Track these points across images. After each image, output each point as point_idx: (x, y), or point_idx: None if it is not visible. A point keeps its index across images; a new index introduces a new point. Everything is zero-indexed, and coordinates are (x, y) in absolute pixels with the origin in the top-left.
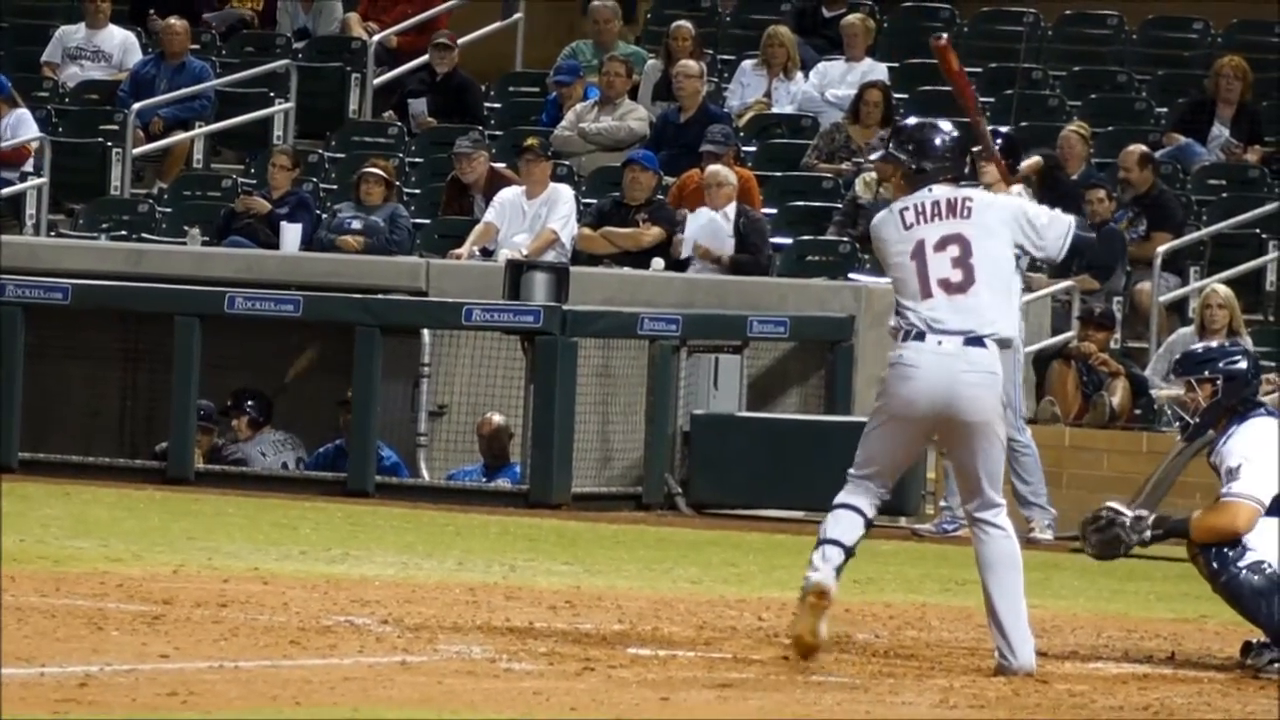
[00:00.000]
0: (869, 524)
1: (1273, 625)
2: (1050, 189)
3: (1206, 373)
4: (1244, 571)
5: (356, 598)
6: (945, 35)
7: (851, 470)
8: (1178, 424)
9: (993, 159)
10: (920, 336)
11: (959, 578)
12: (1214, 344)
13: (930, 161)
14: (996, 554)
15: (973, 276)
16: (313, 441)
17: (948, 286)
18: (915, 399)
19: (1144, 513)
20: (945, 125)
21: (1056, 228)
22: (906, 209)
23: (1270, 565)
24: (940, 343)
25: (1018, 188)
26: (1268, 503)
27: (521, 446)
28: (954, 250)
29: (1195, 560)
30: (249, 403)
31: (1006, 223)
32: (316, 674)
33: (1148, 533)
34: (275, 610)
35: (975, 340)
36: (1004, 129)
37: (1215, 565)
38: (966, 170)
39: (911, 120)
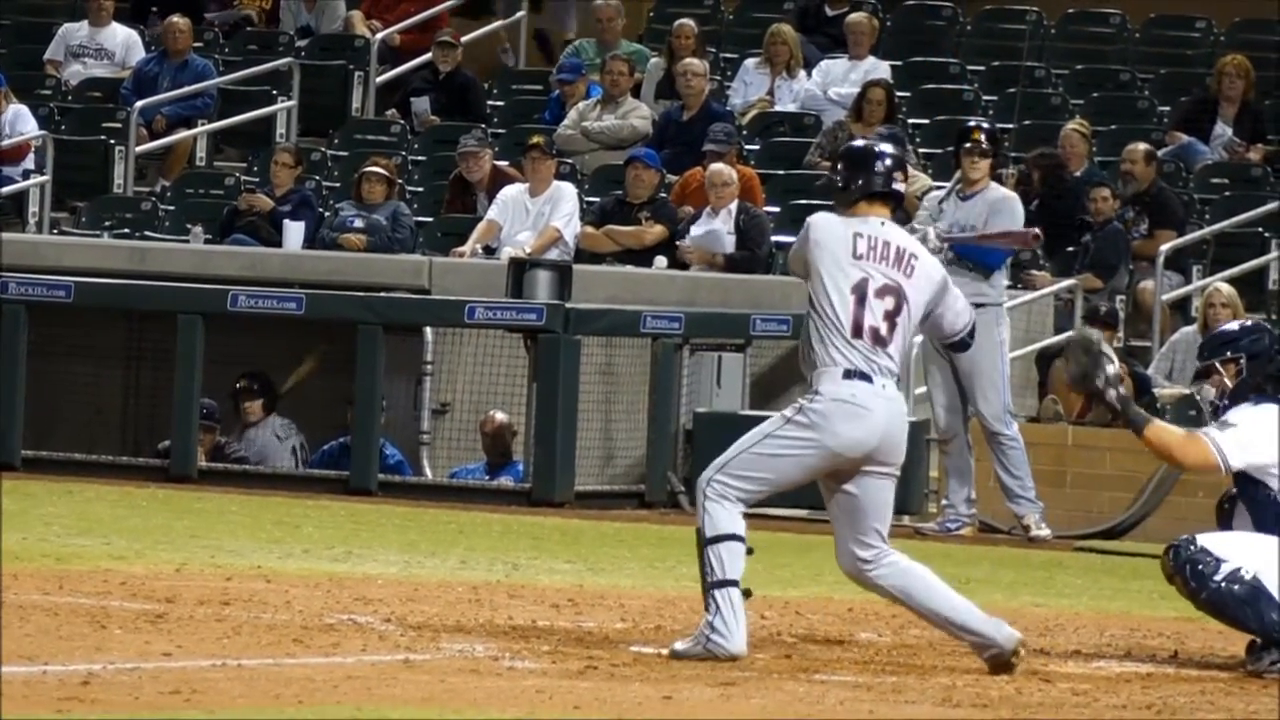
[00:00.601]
0: (749, 551)
1: (1264, 630)
2: (1053, 188)
3: (1229, 353)
4: (1223, 584)
5: (359, 596)
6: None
7: (721, 485)
8: (1208, 408)
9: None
10: (866, 378)
11: (963, 576)
12: (1233, 325)
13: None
14: (910, 578)
15: (893, 335)
16: (315, 439)
17: (875, 336)
18: (865, 440)
19: (1122, 378)
20: (885, 147)
21: (964, 316)
22: (860, 235)
23: (1247, 570)
24: (884, 386)
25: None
26: (1233, 465)
27: (524, 445)
28: (889, 303)
29: (1173, 580)
30: (256, 385)
31: (933, 292)
32: (319, 672)
33: (1114, 391)
34: (278, 608)
35: (896, 384)
36: (985, 124)
37: (1194, 584)
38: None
39: (858, 142)
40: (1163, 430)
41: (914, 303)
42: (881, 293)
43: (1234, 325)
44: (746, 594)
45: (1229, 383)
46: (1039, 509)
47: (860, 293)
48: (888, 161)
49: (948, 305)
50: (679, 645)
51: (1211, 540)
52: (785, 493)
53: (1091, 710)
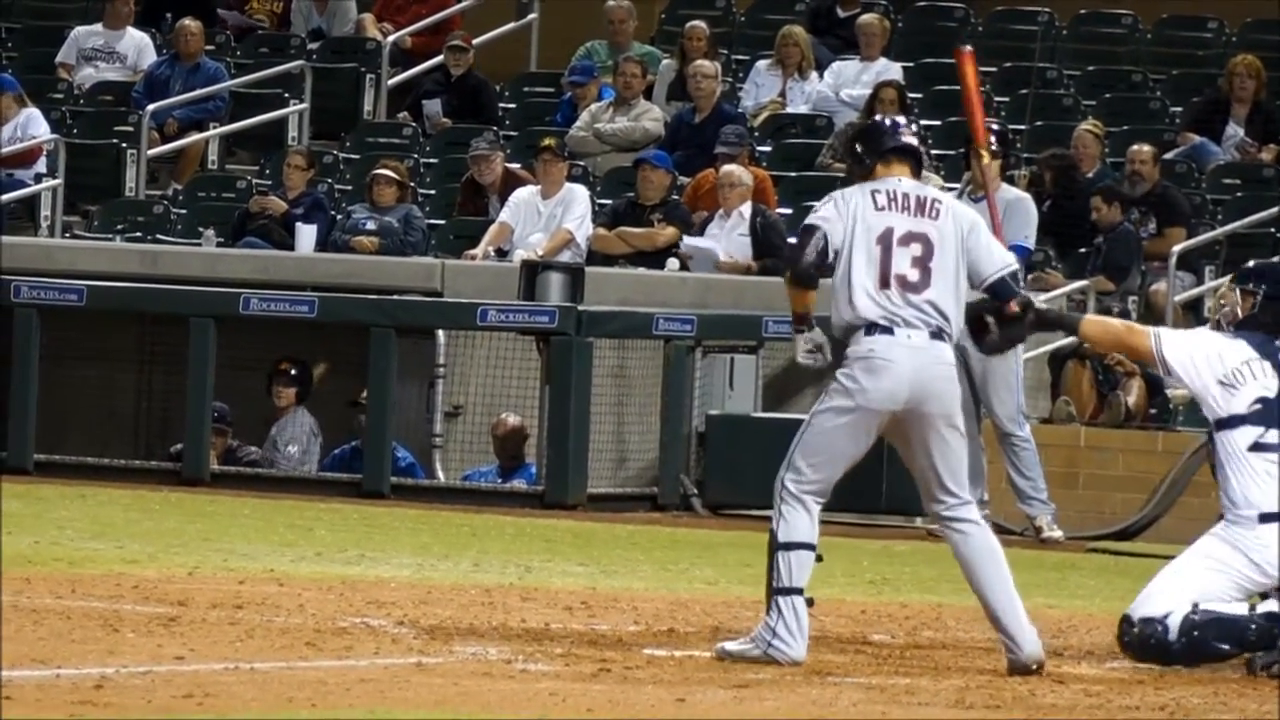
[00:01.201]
0: (818, 558)
1: (1249, 645)
2: (1065, 189)
3: (1251, 284)
4: (1183, 641)
5: (372, 599)
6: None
7: (802, 483)
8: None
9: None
10: (888, 330)
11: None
12: (1262, 262)
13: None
14: (976, 549)
15: (928, 280)
16: (326, 442)
17: (904, 283)
18: (895, 390)
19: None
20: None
21: (999, 257)
22: (878, 191)
23: (1194, 612)
24: (910, 336)
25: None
26: (1166, 361)
27: (537, 447)
28: (916, 249)
29: (1139, 660)
30: (294, 370)
31: (964, 235)
32: (332, 675)
33: (1031, 314)
34: (291, 612)
35: (938, 334)
36: (995, 125)
37: (1160, 656)
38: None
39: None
40: (1101, 321)
41: (946, 243)
42: (907, 239)
43: (1269, 263)
44: (810, 603)
45: (1240, 312)
46: (1051, 510)
47: (885, 243)
48: (891, 121)
49: (979, 243)
50: (730, 645)
51: (1145, 603)
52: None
53: (1105, 711)
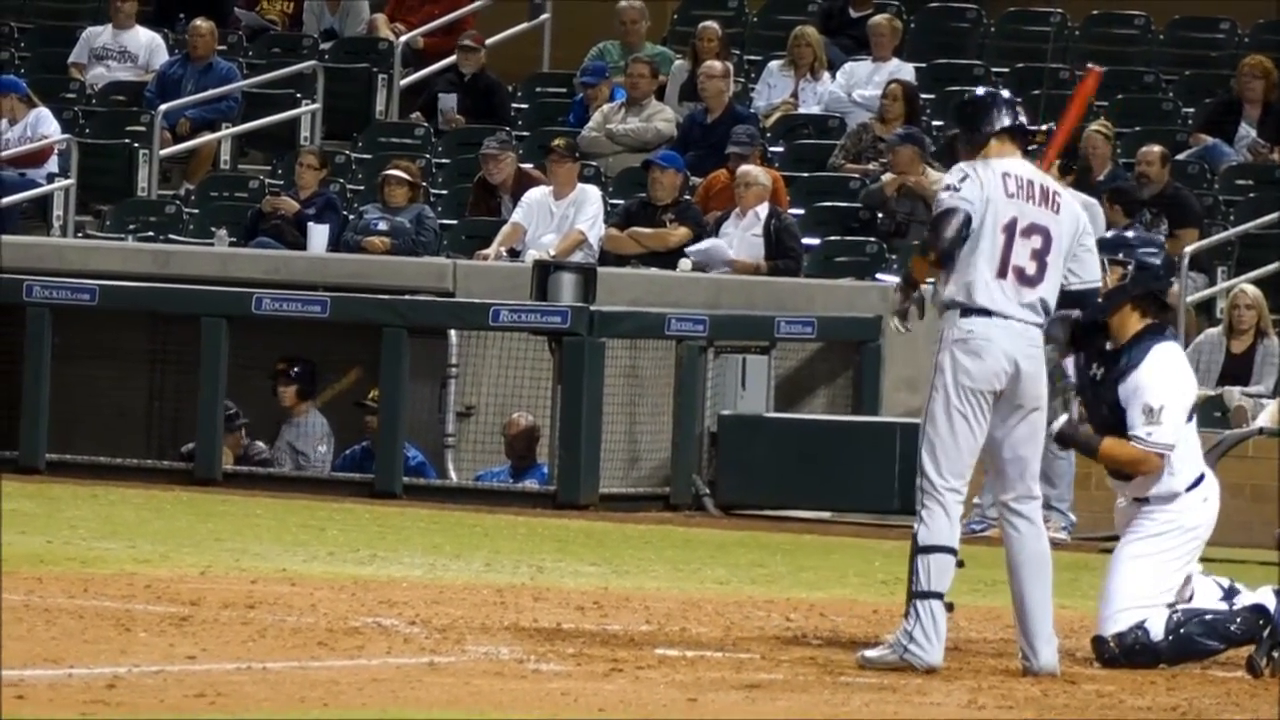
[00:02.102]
0: (960, 564)
1: (1234, 640)
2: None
3: (1120, 255)
4: (1168, 640)
5: (384, 599)
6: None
7: (938, 483)
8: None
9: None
10: (986, 314)
11: (988, 579)
12: (1137, 233)
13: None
14: (1028, 554)
15: (1043, 275)
16: (337, 443)
17: (1021, 276)
18: (997, 369)
19: (1077, 411)
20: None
21: (1093, 270)
22: (1009, 175)
23: (1175, 612)
24: (1009, 323)
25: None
26: (1173, 445)
27: (549, 447)
28: (1036, 241)
29: (1135, 668)
30: (295, 369)
31: (1078, 233)
32: (344, 675)
33: (1060, 422)
34: (303, 611)
35: (1035, 326)
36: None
37: (1148, 660)
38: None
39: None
40: (1117, 450)
41: (1062, 239)
42: (1029, 231)
43: (1131, 233)
44: (949, 608)
45: (1109, 283)
46: (1067, 521)
47: (1010, 231)
48: (1007, 100)
49: (1086, 248)
50: (870, 653)
51: (1112, 625)
52: (825, 491)
53: (1117, 712)
